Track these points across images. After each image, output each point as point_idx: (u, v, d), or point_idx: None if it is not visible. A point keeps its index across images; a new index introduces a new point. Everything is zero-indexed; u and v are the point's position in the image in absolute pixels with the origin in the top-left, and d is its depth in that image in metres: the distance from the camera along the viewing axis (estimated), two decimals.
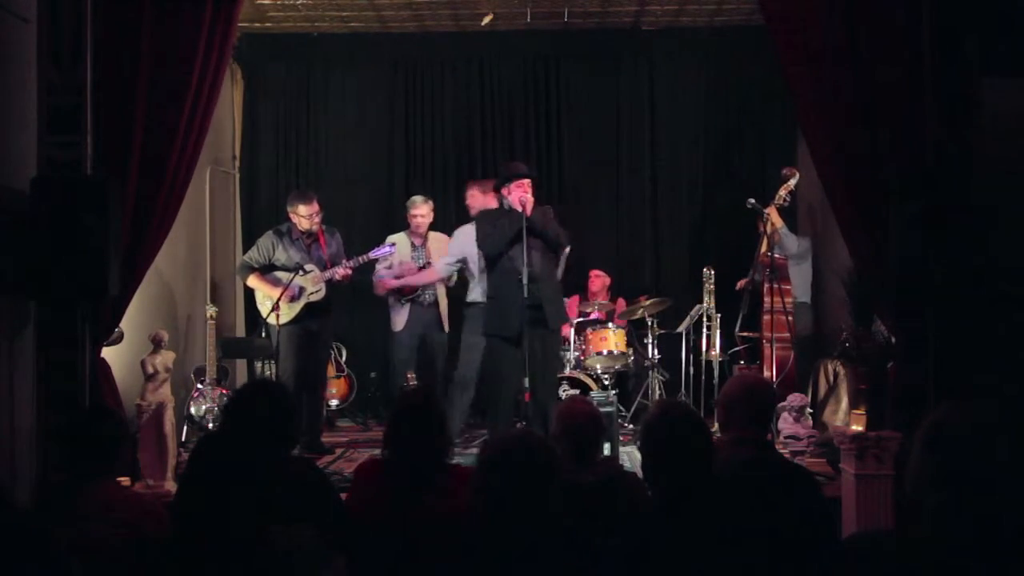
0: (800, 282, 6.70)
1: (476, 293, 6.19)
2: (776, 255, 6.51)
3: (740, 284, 6.89)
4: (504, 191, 5.66)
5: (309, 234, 6.27)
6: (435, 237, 6.96)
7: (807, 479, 2.90)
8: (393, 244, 6.67)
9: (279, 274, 6.18)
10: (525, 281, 5.39)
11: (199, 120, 4.85)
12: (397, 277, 6.72)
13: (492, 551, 2.28)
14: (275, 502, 2.26)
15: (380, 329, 7.22)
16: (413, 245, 6.87)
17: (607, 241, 8.23)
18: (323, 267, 6.24)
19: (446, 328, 6.88)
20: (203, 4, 4.77)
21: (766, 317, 6.27)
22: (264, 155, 8.38)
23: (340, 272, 6.24)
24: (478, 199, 6.44)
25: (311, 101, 8.40)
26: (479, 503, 2.36)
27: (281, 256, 6.19)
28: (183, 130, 4.77)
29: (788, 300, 6.29)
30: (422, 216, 6.86)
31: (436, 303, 6.87)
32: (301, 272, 6.10)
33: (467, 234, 6.17)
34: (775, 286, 6.12)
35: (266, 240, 6.29)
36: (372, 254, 6.47)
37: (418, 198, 6.97)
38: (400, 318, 6.92)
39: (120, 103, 4.63)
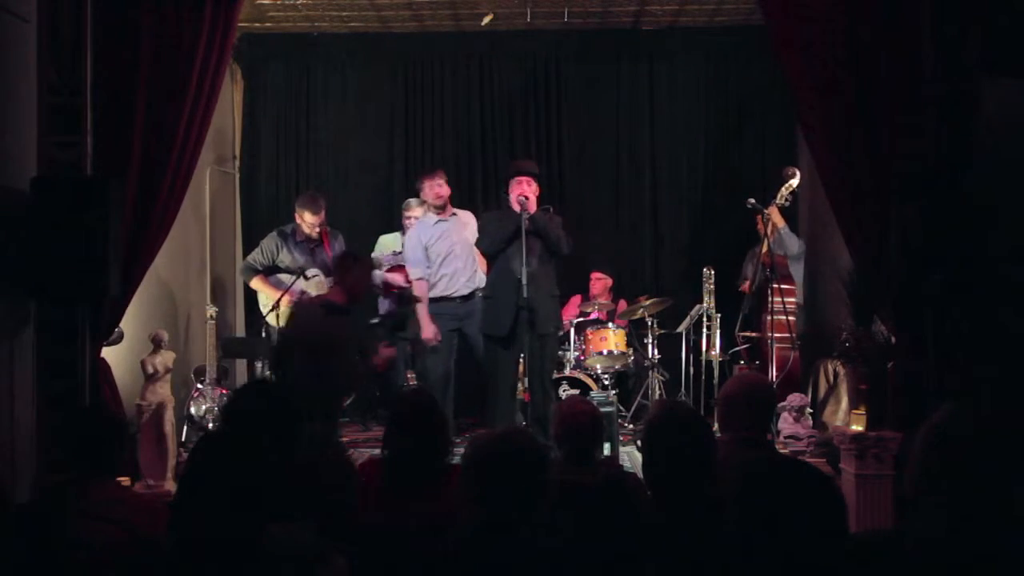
0: (798, 283, 6.70)
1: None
2: (777, 252, 6.51)
3: (744, 287, 6.88)
4: (508, 189, 5.69)
5: (313, 237, 6.26)
6: None
7: (812, 476, 2.89)
8: (397, 252, 6.71)
9: (282, 276, 6.16)
10: (524, 281, 5.39)
11: (199, 120, 4.85)
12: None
13: (486, 551, 2.28)
14: (275, 502, 2.26)
15: None
16: (403, 245, 6.89)
17: (607, 241, 8.22)
18: (327, 271, 6.23)
19: None
20: (203, 4, 4.77)
21: (768, 317, 6.26)
22: (264, 155, 8.38)
23: None
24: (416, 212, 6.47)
25: (311, 101, 8.39)
26: (468, 502, 2.36)
27: (285, 258, 6.18)
28: (183, 130, 4.77)
29: (790, 300, 6.29)
30: (416, 218, 6.88)
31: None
32: (304, 278, 6.09)
33: (410, 238, 6.32)
34: (777, 286, 6.11)
35: (270, 242, 6.27)
36: (385, 259, 6.59)
37: (413, 201, 7.01)
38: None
39: (120, 103, 4.63)
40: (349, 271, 5.06)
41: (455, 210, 6.47)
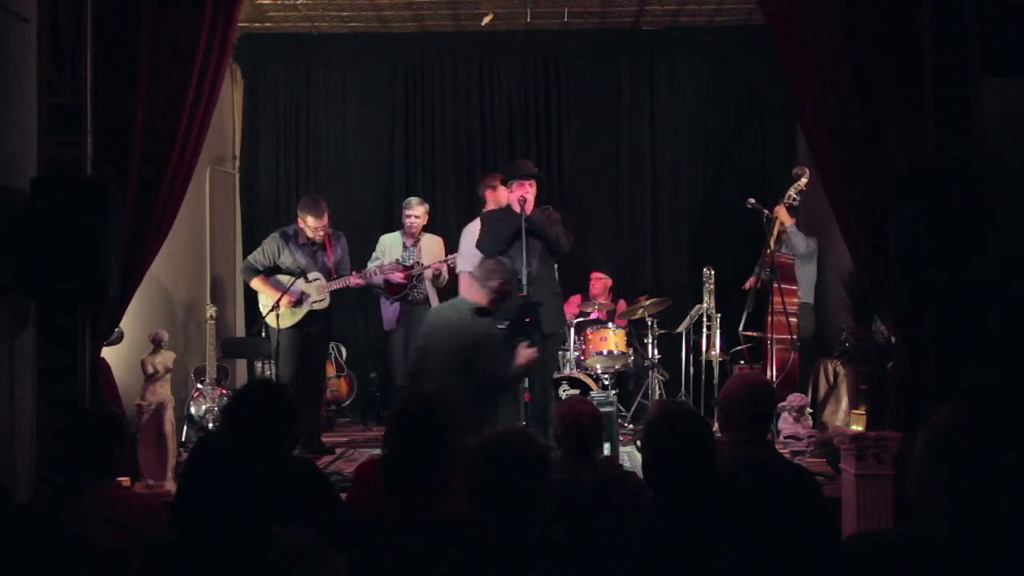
0: (805, 283, 6.68)
1: None
2: (782, 252, 6.50)
3: (748, 284, 6.88)
4: (508, 190, 5.69)
5: (316, 240, 6.25)
6: (427, 239, 6.99)
7: (807, 479, 2.90)
8: (399, 261, 6.72)
9: (282, 278, 6.14)
10: (525, 281, 5.39)
11: (199, 120, 4.85)
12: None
13: (486, 551, 2.28)
14: (275, 502, 2.26)
15: (379, 329, 7.23)
16: (404, 245, 6.91)
17: (607, 241, 8.23)
18: (328, 274, 6.21)
19: None
20: (203, 4, 4.77)
21: (769, 317, 6.26)
22: (264, 155, 8.39)
23: (352, 282, 6.26)
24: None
25: (311, 101, 8.41)
26: (468, 502, 2.36)
27: (287, 260, 6.15)
28: (183, 130, 4.76)
29: (791, 300, 6.29)
30: (416, 217, 6.89)
31: (426, 300, 6.87)
32: (305, 280, 6.08)
33: (471, 232, 6.29)
34: (778, 286, 6.11)
35: (271, 243, 6.24)
36: (384, 270, 6.58)
37: (414, 199, 7.02)
38: (390, 317, 6.95)
39: (120, 103, 4.63)
40: (495, 274, 5.06)
41: None
